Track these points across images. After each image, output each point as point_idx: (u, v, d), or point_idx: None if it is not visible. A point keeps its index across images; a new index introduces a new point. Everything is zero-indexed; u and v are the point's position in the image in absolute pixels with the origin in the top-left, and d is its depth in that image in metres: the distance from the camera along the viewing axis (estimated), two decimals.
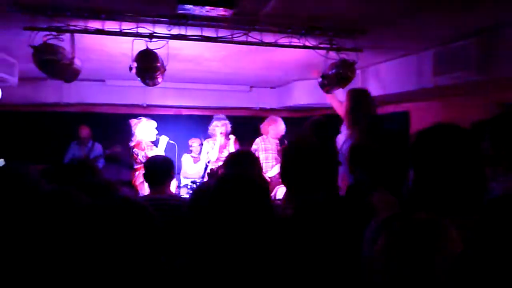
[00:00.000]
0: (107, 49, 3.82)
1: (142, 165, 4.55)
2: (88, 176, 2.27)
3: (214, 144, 4.92)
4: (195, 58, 4.25)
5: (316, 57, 3.57)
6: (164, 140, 4.75)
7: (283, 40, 3.28)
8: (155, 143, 4.79)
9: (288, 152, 1.68)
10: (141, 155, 4.56)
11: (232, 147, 4.86)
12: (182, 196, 4.34)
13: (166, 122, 6.62)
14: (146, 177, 2.73)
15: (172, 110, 6.75)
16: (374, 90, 4.61)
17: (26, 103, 5.77)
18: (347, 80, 3.45)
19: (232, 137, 4.95)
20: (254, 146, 4.96)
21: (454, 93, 4.04)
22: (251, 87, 6.67)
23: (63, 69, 2.95)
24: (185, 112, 6.85)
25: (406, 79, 4.04)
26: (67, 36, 2.97)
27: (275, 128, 4.92)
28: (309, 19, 2.99)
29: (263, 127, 5.00)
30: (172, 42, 3.15)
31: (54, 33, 2.89)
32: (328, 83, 3.50)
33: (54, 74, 3.03)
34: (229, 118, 5.06)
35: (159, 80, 3.21)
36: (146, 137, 4.65)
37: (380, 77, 4.50)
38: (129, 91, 5.98)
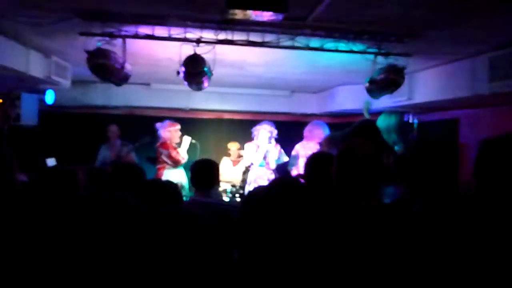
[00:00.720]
0: (154, 53, 3.92)
1: (164, 164, 4.68)
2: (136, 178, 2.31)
3: (258, 147, 4.92)
4: (238, 62, 4.28)
5: (363, 62, 3.50)
6: (187, 140, 4.86)
7: (330, 45, 3.23)
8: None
9: (344, 156, 1.64)
10: (164, 154, 4.68)
11: (274, 153, 4.84)
12: (226, 200, 4.39)
13: (207, 125, 6.73)
14: (193, 180, 2.74)
15: (214, 114, 6.84)
16: (422, 96, 4.47)
17: (76, 105, 6.04)
18: (396, 85, 3.35)
19: (272, 142, 4.94)
20: (293, 152, 4.90)
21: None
22: (292, 92, 6.63)
23: (115, 73, 3.06)
24: (226, 116, 6.92)
25: (457, 85, 3.87)
26: (118, 41, 3.07)
27: (318, 134, 4.83)
28: (357, 23, 2.93)
29: (306, 132, 4.92)
30: (217, 47, 3.19)
31: (106, 38, 3.00)
32: (376, 88, 3.41)
33: (106, 78, 3.14)
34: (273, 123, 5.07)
35: (205, 84, 3.25)
36: (171, 139, 4.84)
37: (429, 82, 4.34)
38: (173, 95, 6.13)
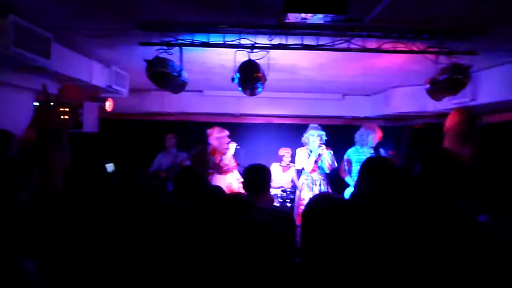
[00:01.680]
0: (208, 61, 3.99)
1: (213, 170, 4.73)
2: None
3: (310, 153, 4.82)
4: (291, 67, 4.25)
5: (422, 62, 3.34)
6: (232, 146, 4.89)
7: (387, 46, 3.11)
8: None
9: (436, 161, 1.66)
10: (211, 161, 4.73)
11: (327, 158, 4.73)
12: (278, 205, 4.35)
13: (257, 130, 6.75)
14: (245, 185, 2.74)
15: (264, 119, 6.85)
16: (486, 96, 4.19)
17: (133, 112, 6.29)
18: (460, 86, 3.15)
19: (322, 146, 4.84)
20: (345, 157, 4.77)
21: None
22: (343, 95, 6.50)
23: (172, 81, 3.13)
24: (276, 120, 6.91)
25: None
26: (175, 49, 3.15)
27: (371, 138, 4.67)
28: (418, 22, 2.80)
29: (357, 137, 4.77)
30: (270, 52, 3.17)
31: (164, 47, 3.08)
32: (438, 89, 3.23)
33: (164, 86, 3.22)
34: (320, 127, 4.96)
35: (259, 90, 3.24)
36: (219, 145, 4.85)
37: (494, 82, 4.07)
38: (224, 101, 6.23)
